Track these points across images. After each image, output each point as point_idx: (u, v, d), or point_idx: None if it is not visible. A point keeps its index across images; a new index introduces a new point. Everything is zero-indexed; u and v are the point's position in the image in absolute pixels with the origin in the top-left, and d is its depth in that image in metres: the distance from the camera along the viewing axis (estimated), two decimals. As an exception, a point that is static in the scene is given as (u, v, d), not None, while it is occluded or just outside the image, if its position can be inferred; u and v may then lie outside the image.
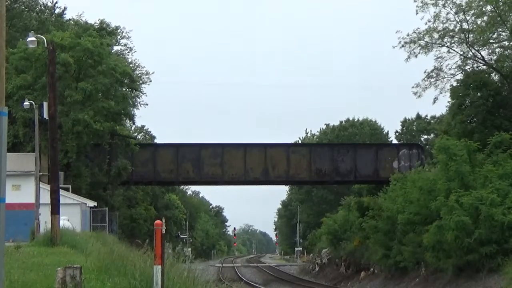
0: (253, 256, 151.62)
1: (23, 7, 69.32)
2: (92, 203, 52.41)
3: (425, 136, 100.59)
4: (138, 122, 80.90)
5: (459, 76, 52.66)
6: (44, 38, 42.51)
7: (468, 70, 52.65)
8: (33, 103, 46.15)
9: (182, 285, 14.69)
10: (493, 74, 52.92)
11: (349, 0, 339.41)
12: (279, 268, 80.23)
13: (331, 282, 53.23)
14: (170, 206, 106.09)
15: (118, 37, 74.24)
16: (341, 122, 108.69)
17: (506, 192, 33.25)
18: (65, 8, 73.88)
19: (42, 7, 72.93)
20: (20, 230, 39.17)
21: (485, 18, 50.97)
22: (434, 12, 52.59)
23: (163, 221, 13.01)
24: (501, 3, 49.39)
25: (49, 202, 31.85)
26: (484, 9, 50.82)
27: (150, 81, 77.04)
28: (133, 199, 78.80)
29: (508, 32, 50.39)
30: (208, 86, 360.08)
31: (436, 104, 59.11)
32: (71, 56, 54.50)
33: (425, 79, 54.01)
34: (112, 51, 67.09)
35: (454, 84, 52.58)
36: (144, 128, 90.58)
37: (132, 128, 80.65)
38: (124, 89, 61.57)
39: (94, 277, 14.95)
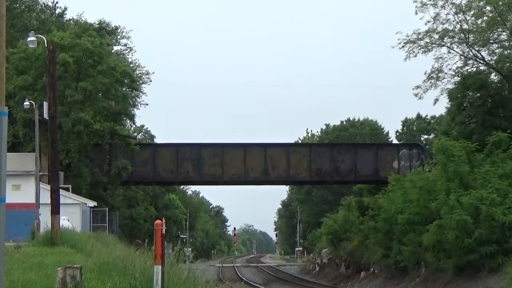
0: (253, 256, 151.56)
1: (23, 7, 69.29)
2: (92, 203, 52.40)
3: (425, 136, 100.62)
4: (138, 122, 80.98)
5: (459, 77, 52.63)
6: (44, 38, 42.53)
7: (468, 70, 52.60)
8: (33, 103, 46.15)
9: (182, 285, 14.70)
10: (493, 74, 52.90)
11: (349, 0, 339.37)
12: (279, 268, 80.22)
13: (331, 282, 53.23)
14: (170, 206, 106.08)
15: (118, 37, 74.31)
16: (341, 122, 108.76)
17: (506, 192, 33.27)
18: (65, 8, 73.94)
19: (43, 7, 72.92)
20: (20, 230, 39.11)
21: (485, 18, 50.93)
22: (434, 12, 52.62)
23: (163, 221, 13.02)
24: (501, 4, 49.34)
25: (49, 202, 31.86)
26: (484, 9, 50.78)
27: (150, 81, 77.16)
28: (133, 199, 78.79)
29: (508, 32, 50.34)
30: (208, 86, 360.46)
31: (436, 104, 59.00)
32: (70, 56, 54.51)
33: (426, 80, 54.02)
34: (112, 51, 67.10)
35: (455, 85, 52.55)
36: (144, 128, 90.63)
37: (132, 128, 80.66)
38: (124, 89, 61.56)
39: (94, 277, 14.96)
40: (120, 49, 75.33)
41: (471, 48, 52.41)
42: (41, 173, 45.85)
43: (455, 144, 37.29)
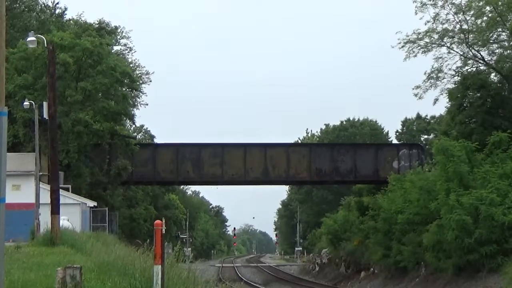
0: (253, 256, 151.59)
1: (23, 7, 69.26)
2: (92, 203, 52.39)
3: (425, 136, 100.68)
4: (138, 122, 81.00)
5: (459, 77, 52.65)
6: (44, 38, 42.51)
7: (468, 70, 52.62)
8: (33, 103, 46.13)
9: (182, 285, 14.70)
10: (493, 74, 52.91)
11: (349, 0, 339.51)
12: (279, 268, 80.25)
13: (331, 282, 53.26)
14: (170, 206, 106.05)
15: (118, 37, 74.27)
16: (341, 122, 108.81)
17: (506, 192, 33.26)
18: (65, 9, 73.92)
19: (43, 7, 72.90)
20: (20, 230, 39.08)
21: (484, 18, 50.95)
22: (434, 12, 52.65)
23: (163, 221, 13.02)
24: (500, 4, 49.36)
25: (49, 202, 31.85)
26: (483, 9, 50.79)
27: (150, 81, 77.14)
28: (133, 199, 78.78)
29: (508, 32, 50.35)
30: (208, 86, 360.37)
31: (436, 104, 59.09)
32: (70, 56, 54.50)
33: (426, 80, 54.06)
34: (112, 51, 67.06)
35: (455, 85, 52.58)
36: (144, 128, 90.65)
37: (132, 128, 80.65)
38: (124, 89, 61.55)
39: (94, 277, 14.96)
40: (120, 49, 75.39)
41: (471, 48, 52.44)
42: (41, 173, 45.83)
43: (455, 144, 37.28)
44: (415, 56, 53.54)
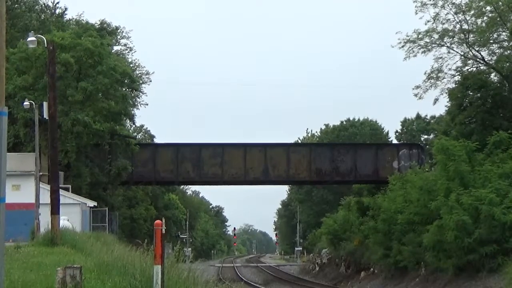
0: (253, 256, 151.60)
1: (23, 7, 69.20)
2: (92, 203, 52.37)
3: (425, 136, 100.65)
4: (138, 122, 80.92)
5: (459, 77, 52.68)
6: (44, 38, 42.48)
7: (468, 70, 52.64)
8: (33, 103, 46.12)
9: (182, 285, 14.70)
10: (493, 74, 52.93)
11: (349, 0, 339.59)
12: (279, 268, 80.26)
13: (331, 282, 53.25)
14: (170, 206, 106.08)
15: (118, 37, 74.26)
16: (341, 122, 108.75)
17: (506, 192, 33.27)
18: (65, 9, 73.88)
19: (43, 7, 72.86)
20: (20, 230, 39.14)
21: (485, 18, 50.97)
22: (434, 12, 52.69)
23: (163, 221, 13.02)
24: (501, 4, 49.37)
25: (49, 202, 31.86)
26: (484, 9, 50.81)
27: (150, 81, 77.11)
28: (133, 199, 78.79)
29: (508, 32, 50.36)
30: (208, 86, 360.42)
31: (436, 104, 59.15)
32: (71, 56, 54.50)
33: (426, 80, 54.08)
34: (112, 51, 67.03)
35: (455, 85, 52.59)
36: (144, 128, 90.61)
37: (132, 128, 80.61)
38: (124, 89, 61.53)
39: (94, 277, 14.96)
40: (120, 49, 75.38)
41: (471, 48, 52.45)
42: (41, 173, 45.82)
43: (455, 143, 37.32)
44: (415, 56, 53.63)
